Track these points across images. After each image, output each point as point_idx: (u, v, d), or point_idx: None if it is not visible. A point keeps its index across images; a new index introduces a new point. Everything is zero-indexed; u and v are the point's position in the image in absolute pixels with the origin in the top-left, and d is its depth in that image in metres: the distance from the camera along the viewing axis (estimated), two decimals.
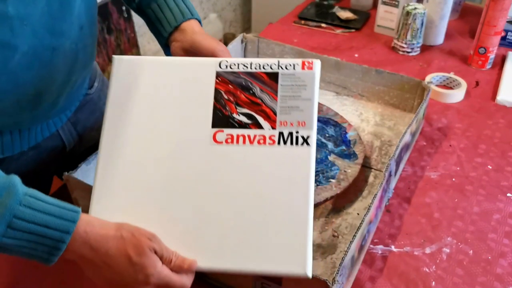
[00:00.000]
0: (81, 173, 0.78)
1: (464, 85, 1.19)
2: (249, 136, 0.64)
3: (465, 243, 0.80)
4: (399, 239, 0.81)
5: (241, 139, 0.64)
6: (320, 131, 0.98)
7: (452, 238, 0.81)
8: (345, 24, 1.53)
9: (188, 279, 0.58)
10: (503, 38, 1.38)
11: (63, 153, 0.85)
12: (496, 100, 1.16)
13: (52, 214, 0.52)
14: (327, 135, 0.97)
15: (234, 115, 0.66)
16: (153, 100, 0.67)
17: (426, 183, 0.92)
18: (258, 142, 0.64)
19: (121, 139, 0.66)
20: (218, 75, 0.68)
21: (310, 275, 0.58)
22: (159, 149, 0.65)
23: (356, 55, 1.36)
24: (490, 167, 0.96)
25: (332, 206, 0.85)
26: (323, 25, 1.53)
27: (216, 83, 0.67)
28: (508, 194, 0.90)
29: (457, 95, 1.17)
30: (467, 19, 1.58)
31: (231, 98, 0.67)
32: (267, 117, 0.65)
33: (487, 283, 0.74)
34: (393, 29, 1.45)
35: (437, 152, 1.00)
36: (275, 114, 0.65)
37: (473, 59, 1.30)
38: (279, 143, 0.64)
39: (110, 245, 0.54)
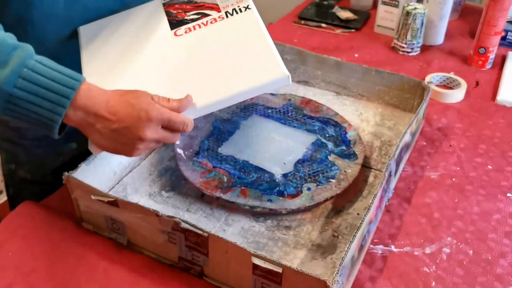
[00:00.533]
0: (81, 173, 0.78)
1: (464, 85, 1.19)
2: (202, 23, 0.80)
3: (465, 243, 0.80)
4: (399, 239, 0.81)
5: (197, 26, 0.79)
6: (320, 131, 0.98)
7: (452, 238, 0.81)
8: (345, 24, 1.53)
9: (188, 118, 0.64)
10: (503, 38, 1.38)
11: None
12: (496, 100, 1.16)
13: (60, 72, 0.57)
14: (327, 135, 0.97)
15: (186, 17, 0.81)
16: (121, 33, 0.80)
17: (426, 183, 0.92)
18: (211, 22, 0.79)
19: (101, 52, 0.78)
20: (164, 5, 0.84)
21: (287, 73, 0.70)
22: (134, 51, 0.77)
23: (356, 55, 1.36)
24: (490, 167, 0.96)
25: (332, 206, 0.85)
26: (323, 25, 1.53)
27: (165, 8, 0.83)
28: (508, 194, 0.90)
29: (457, 95, 1.17)
30: (467, 19, 1.58)
31: (179, 10, 0.83)
32: (212, 8, 0.81)
33: (487, 283, 0.74)
34: (393, 29, 1.45)
35: (437, 152, 1.00)
36: (217, 4, 0.82)
37: (473, 59, 1.30)
38: (227, 17, 0.79)
39: (110, 98, 0.60)
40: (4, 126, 0.85)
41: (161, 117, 0.60)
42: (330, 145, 0.95)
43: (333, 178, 0.87)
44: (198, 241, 0.69)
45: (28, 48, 0.57)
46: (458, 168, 0.96)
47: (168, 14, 0.82)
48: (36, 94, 0.56)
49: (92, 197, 0.74)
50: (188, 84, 0.71)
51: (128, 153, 0.63)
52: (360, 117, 1.08)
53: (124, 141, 0.61)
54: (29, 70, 0.55)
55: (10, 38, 0.58)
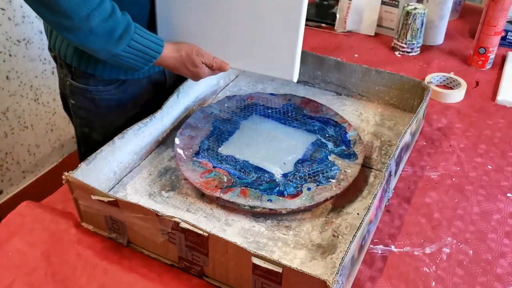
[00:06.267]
0: (81, 173, 0.78)
1: (464, 85, 1.19)
2: None
3: (465, 243, 0.80)
4: (399, 239, 0.81)
5: None
6: (320, 131, 0.98)
7: (452, 238, 0.81)
8: None
9: (219, 72, 0.93)
10: (503, 38, 1.38)
11: (163, 86, 1.07)
12: (496, 100, 1.16)
13: (150, 40, 0.83)
14: (327, 135, 0.97)
15: None
16: None
17: (426, 183, 0.92)
18: None
19: None
20: None
21: (295, 80, 0.89)
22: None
23: (356, 55, 1.36)
24: (490, 167, 0.96)
25: (332, 206, 0.85)
26: (323, 25, 1.53)
27: None
28: (508, 194, 0.90)
29: (457, 95, 1.17)
30: (467, 19, 1.58)
31: None
32: None
33: (487, 283, 0.74)
34: (393, 29, 1.45)
35: (437, 152, 1.00)
36: None
37: (473, 59, 1.30)
38: None
39: (176, 62, 0.88)
40: (80, 96, 0.99)
41: (205, 76, 0.91)
42: (330, 145, 0.95)
43: (333, 178, 0.87)
44: (198, 241, 0.69)
45: (131, 23, 0.80)
46: (458, 168, 0.96)
47: None
48: (135, 55, 0.82)
49: (92, 197, 0.74)
50: (226, 42, 0.89)
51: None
52: (360, 117, 1.08)
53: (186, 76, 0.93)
54: (134, 41, 0.80)
55: (120, 14, 0.79)
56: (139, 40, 0.81)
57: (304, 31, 0.85)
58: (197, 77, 0.91)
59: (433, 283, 0.73)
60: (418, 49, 1.37)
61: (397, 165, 0.88)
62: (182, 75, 0.92)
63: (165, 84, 1.06)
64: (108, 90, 0.97)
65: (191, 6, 0.88)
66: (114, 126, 1.00)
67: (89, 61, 0.92)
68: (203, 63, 0.88)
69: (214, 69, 0.90)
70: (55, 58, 1.01)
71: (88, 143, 1.07)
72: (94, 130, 1.04)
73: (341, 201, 0.86)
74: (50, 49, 1.00)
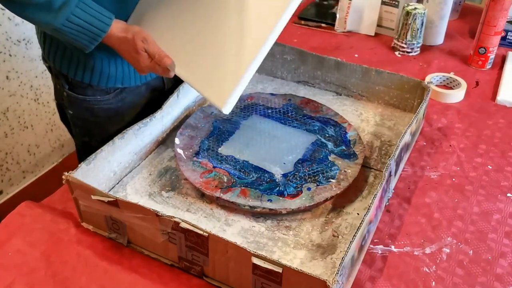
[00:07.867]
0: (81, 173, 0.78)
1: (464, 85, 1.19)
2: None
3: (465, 243, 0.80)
4: (399, 239, 0.81)
5: None
6: (320, 131, 0.98)
7: (452, 238, 0.81)
8: None
9: (161, 69, 0.85)
10: (503, 38, 1.38)
11: (162, 91, 1.05)
12: (496, 100, 1.16)
13: (95, 17, 0.78)
14: (327, 135, 0.97)
15: None
16: None
17: (426, 183, 0.92)
18: None
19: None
20: None
21: (226, 112, 0.81)
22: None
23: (356, 55, 1.36)
24: (490, 167, 0.96)
25: (332, 206, 0.85)
26: (323, 25, 1.53)
27: None
28: (508, 194, 0.90)
29: (457, 95, 1.17)
30: (467, 19, 1.58)
31: None
32: None
33: (487, 283, 0.74)
34: (393, 29, 1.45)
35: (437, 152, 1.00)
36: None
37: (473, 59, 1.30)
38: None
39: (120, 43, 0.82)
40: (78, 106, 0.98)
41: (144, 65, 0.83)
42: (330, 145, 0.95)
43: (333, 178, 0.87)
44: (198, 241, 0.69)
45: None
46: (458, 168, 0.96)
47: None
48: (77, 31, 0.78)
49: (92, 197, 0.74)
50: (184, 47, 0.87)
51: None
52: (360, 117, 1.08)
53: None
54: (73, 15, 0.76)
55: None
56: (81, 15, 0.77)
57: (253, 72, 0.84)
58: (137, 65, 0.85)
59: (433, 283, 0.73)
60: (418, 49, 1.37)
61: (397, 165, 0.88)
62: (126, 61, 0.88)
63: (164, 89, 1.05)
64: (107, 99, 0.96)
65: (168, 3, 0.88)
66: (113, 134, 0.98)
67: (84, 71, 0.91)
68: (146, 51, 0.82)
69: (156, 61, 0.83)
70: (49, 68, 0.99)
71: (90, 152, 1.05)
72: (94, 139, 1.02)
73: (341, 201, 0.86)
74: (44, 59, 0.99)
